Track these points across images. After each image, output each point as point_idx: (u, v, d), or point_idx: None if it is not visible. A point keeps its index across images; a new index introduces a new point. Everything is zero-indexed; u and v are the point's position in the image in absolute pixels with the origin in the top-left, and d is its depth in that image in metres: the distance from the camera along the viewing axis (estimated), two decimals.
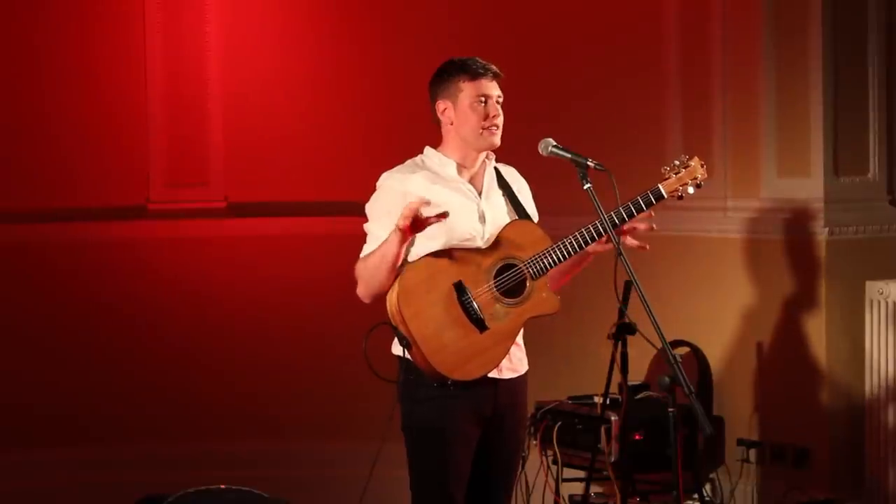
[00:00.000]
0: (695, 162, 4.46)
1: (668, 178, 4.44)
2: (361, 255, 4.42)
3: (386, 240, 4.30)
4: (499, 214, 4.47)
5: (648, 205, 4.38)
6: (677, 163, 4.47)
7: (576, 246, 4.35)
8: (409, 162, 4.52)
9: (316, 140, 7.15)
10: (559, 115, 6.77)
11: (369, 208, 4.47)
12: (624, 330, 5.51)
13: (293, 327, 7.06)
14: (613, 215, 4.33)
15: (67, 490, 6.80)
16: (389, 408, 4.47)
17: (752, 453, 6.55)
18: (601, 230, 4.32)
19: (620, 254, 4.24)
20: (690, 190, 4.45)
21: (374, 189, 4.48)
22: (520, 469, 5.16)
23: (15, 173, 7.00)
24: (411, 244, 4.37)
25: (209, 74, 7.11)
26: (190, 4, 7.08)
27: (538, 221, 4.57)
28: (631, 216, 4.36)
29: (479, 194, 4.47)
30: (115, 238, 7.05)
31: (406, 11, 7.11)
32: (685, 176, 4.45)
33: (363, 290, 4.40)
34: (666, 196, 4.43)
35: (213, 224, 7.10)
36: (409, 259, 4.37)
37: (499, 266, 4.36)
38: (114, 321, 7.03)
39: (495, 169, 4.55)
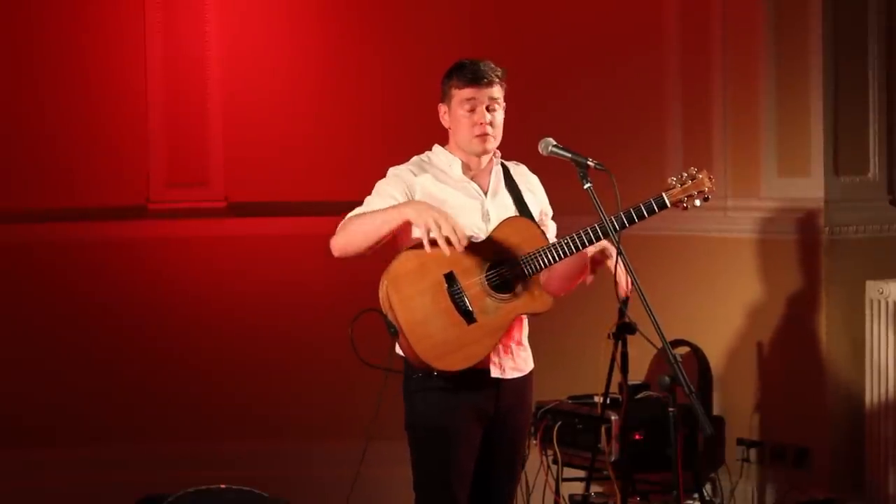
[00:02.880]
0: (703, 175, 4.44)
1: (674, 188, 4.43)
2: (352, 213, 4.40)
3: (395, 210, 4.26)
4: (504, 213, 4.46)
5: (650, 212, 4.36)
6: (685, 174, 4.45)
7: (572, 247, 4.34)
8: (415, 159, 4.52)
9: (316, 140, 7.15)
10: (559, 114, 6.77)
11: (376, 186, 4.46)
12: (624, 329, 5.48)
13: (293, 327, 7.06)
14: (614, 219, 4.32)
15: (67, 490, 6.80)
16: (392, 408, 4.46)
17: (752, 453, 6.56)
18: (600, 233, 4.32)
19: (620, 253, 4.24)
20: (697, 202, 4.43)
21: (374, 188, 4.50)
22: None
23: (15, 173, 7.00)
24: (409, 233, 4.38)
25: (209, 74, 7.11)
26: (190, 4, 7.08)
27: (554, 218, 4.57)
28: (632, 221, 4.34)
29: (485, 193, 4.47)
30: (115, 238, 7.04)
31: (407, 12, 7.11)
32: (691, 187, 4.43)
33: (340, 245, 4.35)
34: (669, 206, 4.41)
35: (213, 224, 7.09)
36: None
37: (492, 261, 4.35)
38: (113, 321, 7.02)
39: (504, 167, 4.54)
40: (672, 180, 4.45)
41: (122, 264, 7.05)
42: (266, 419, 7.01)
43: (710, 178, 4.46)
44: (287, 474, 6.68)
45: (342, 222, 4.39)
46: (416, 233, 4.36)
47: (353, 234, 4.34)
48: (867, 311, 6.33)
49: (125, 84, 7.07)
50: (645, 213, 4.36)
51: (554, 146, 4.39)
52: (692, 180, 4.43)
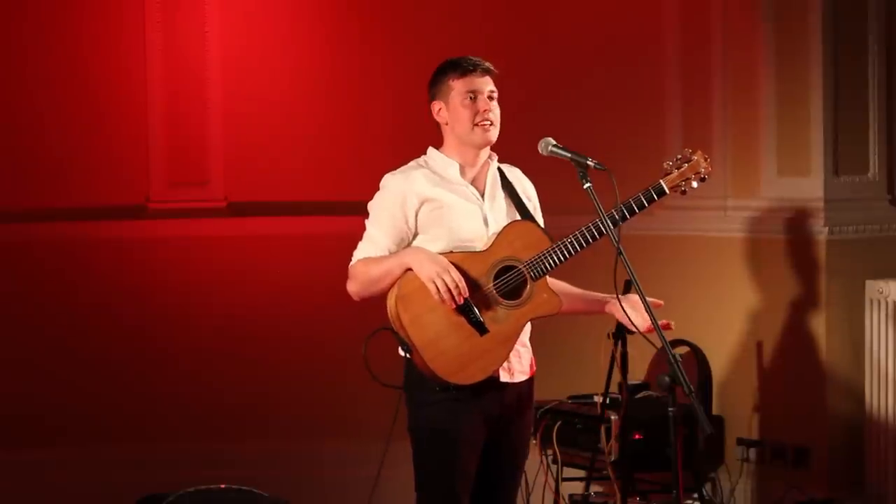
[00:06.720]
0: (697, 156, 4.41)
1: (671, 172, 4.40)
2: (357, 253, 4.42)
3: (397, 261, 4.30)
4: (501, 217, 4.45)
5: (650, 201, 4.34)
6: (679, 157, 4.42)
7: (576, 245, 4.33)
8: (412, 163, 4.50)
9: (316, 140, 7.14)
10: (559, 114, 6.76)
11: (370, 208, 4.46)
12: (624, 329, 5.50)
13: (293, 327, 7.05)
14: (614, 212, 4.31)
15: (68, 490, 6.80)
16: (392, 408, 4.46)
17: (752, 453, 6.56)
18: (602, 228, 4.30)
19: (620, 253, 4.22)
20: (694, 184, 4.40)
21: (374, 188, 4.48)
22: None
23: (14, 173, 7.00)
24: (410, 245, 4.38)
25: (209, 74, 7.10)
26: (190, 4, 7.08)
27: (544, 221, 4.56)
28: (632, 213, 4.32)
29: (482, 196, 4.46)
30: (115, 238, 7.04)
31: (407, 12, 7.11)
32: (688, 170, 4.40)
33: (356, 290, 4.41)
34: (668, 191, 4.39)
35: (213, 224, 7.09)
36: None
37: (498, 268, 4.33)
38: (113, 321, 7.02)
39: (499, 169, 4.53)
40: (668, 164, 4.41)
41: (122, 264, 7.05)
42: (266, 419, 7.01)
43: (705, 157, 4.42)
44: (288, 474, 6.67)
45: (351, 266, 4.41)
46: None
47: (364, 284, 4.37)
48: (867, 311, 6.33)
49: (125, 84, 7.06)
50: (645, 202, 4.34)
51: (554, 146, 4.38)
52: (687, 163, 4.40)
